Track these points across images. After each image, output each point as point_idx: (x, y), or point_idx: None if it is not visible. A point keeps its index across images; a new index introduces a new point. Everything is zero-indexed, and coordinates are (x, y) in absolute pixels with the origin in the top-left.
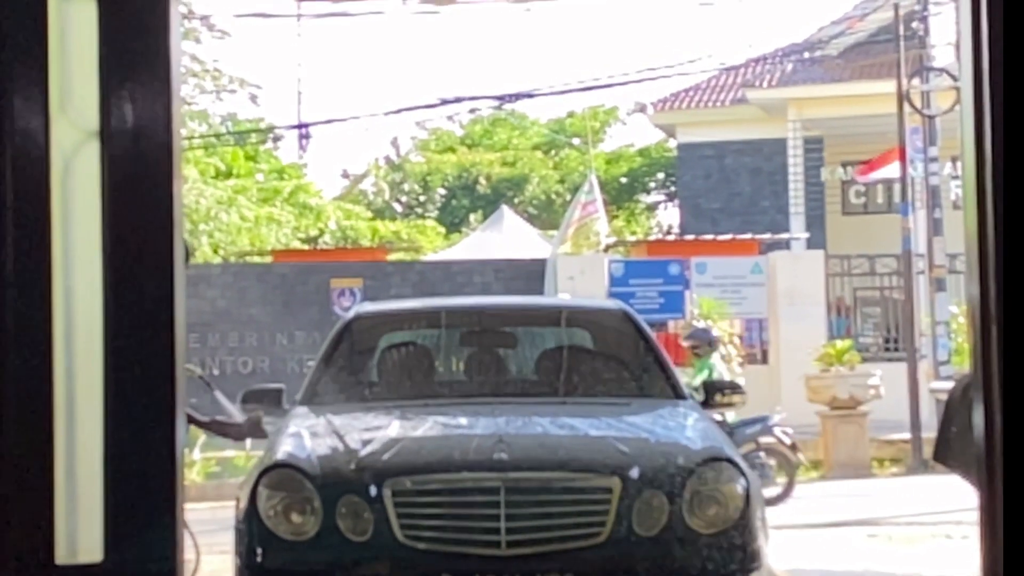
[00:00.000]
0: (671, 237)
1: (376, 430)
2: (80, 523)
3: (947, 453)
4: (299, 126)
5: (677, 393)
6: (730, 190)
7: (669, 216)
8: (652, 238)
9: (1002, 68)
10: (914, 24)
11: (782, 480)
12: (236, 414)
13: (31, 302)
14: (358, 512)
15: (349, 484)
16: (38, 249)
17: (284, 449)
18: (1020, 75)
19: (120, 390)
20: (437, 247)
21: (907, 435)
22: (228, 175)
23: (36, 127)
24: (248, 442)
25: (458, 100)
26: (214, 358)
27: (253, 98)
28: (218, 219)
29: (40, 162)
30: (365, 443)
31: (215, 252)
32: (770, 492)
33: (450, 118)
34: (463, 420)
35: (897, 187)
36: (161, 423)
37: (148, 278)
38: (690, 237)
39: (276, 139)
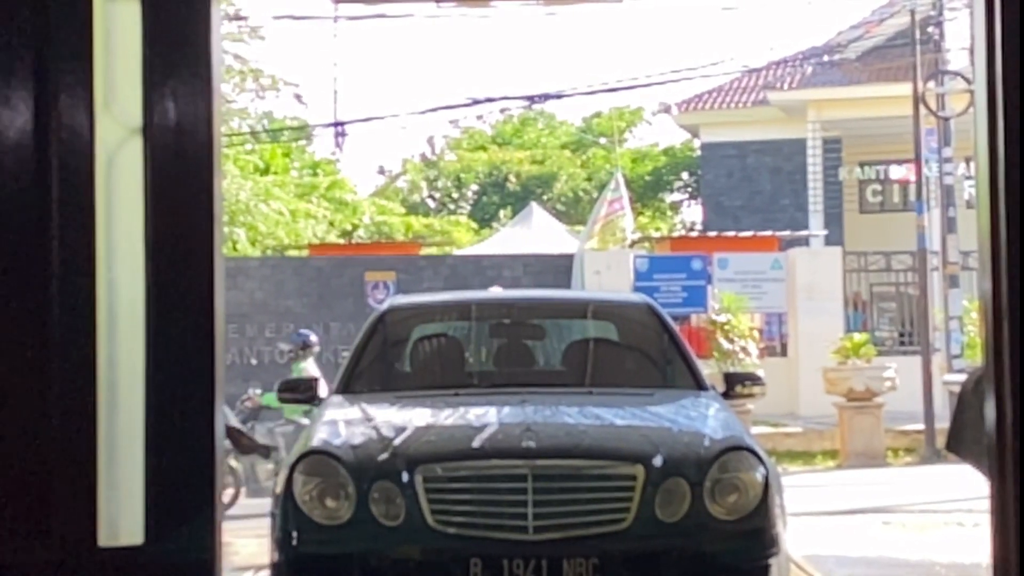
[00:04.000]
0: (694, 234)
1: (408, 419)
2: (122, 507)
3: (959, 443)
4: (335, 124)
5: (699, 384)
6: (751, 188)
7: (692, 213)
8: (676, 234)
9: (1015, 72)
10: (930, 29)
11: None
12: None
13: (76, 293)
14: (390, 498)
15: (382, 470)
16: (83, 242)
17: (319, 436)
18: None
19: (161, 379)
20: (468, 242)
21: (921, 426)
22: (266, 171)
23: (81, 124)
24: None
25: (489, 100)
26: (252, 348)
27: (298, 97)
28: (257, 210)
29: (85, 158)
30: (397, 431)
31: (253, 245)
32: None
33: (480, 118)
34: (492, 409)
35: (913, 187)
36: (201, 411)
37: (189, 270)
38: (712, 234)
39: (309, 137)
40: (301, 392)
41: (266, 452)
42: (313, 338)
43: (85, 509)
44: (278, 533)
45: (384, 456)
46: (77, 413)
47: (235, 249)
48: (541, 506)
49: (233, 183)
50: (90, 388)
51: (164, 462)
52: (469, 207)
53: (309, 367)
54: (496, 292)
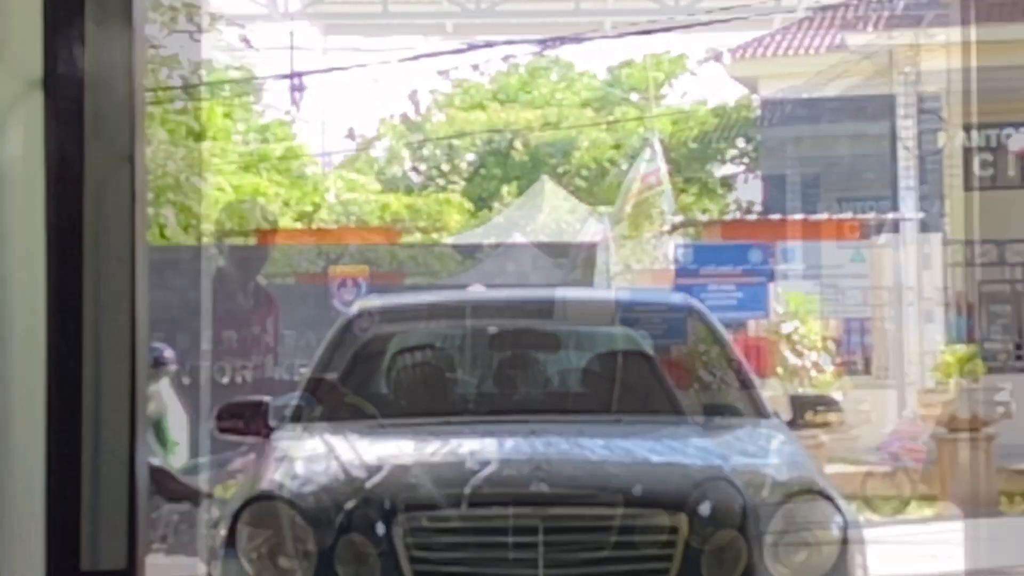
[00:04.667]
0: (752, 217)
1: (384, 454)
2: (15, 566)
3: None
4: (292, 75)
5: (758, 410)
6: (826, 159)
7: (749, 191)
8: (728, 218)
9: None
10: None
11: None
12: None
13: None
14: (361, 556)
15: (350, 521)
16: None
17: (270, 477)
18: None
19: (66, 404)
20: (463, 227)
21: None
22: (202, 136)
23: None
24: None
25: (489, 44)
26: (184, 363)
27: (245, 40)
28: (190, 186)
29: None
30: (370, 471)
31: (185, 231)
32: None
33: (476, 67)
34: (492, 442)
35: None
36: (117, 439)
37: (102, 263)
38: (775, 217)
39: (257, 92)
40: (246, 419)
41: (197, 499)
42: (168, 354)
43: None
44: None
45: (353, 502)
46: None
47: (162, 236)
48: (555, 567)
49: (160, 151)
50: None
51: (71, 510)
52: (463, 182)
53: (163, 390)
54: (478, 292)
